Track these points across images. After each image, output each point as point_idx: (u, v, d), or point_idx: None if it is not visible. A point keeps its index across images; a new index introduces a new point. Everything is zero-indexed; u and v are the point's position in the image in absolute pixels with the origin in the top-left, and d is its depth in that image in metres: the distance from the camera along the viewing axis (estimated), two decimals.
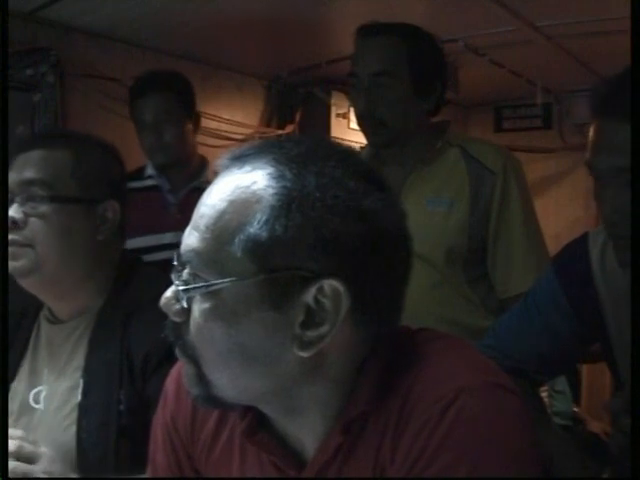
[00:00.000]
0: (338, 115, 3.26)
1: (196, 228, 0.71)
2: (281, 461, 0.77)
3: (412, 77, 1.58)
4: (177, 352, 0.75)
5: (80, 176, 1.18)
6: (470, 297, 1.62)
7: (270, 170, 0.68)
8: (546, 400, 2.64)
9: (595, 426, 2.61)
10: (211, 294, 0.68)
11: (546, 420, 1.27)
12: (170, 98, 2.03)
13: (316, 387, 0.73)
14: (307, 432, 0.76)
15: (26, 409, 1.19)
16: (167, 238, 2.02)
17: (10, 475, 0.92)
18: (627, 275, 1.12)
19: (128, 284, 1.21)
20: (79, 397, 1.14)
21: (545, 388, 2.74)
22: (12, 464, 0.93)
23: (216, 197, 0.70)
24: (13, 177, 1.15)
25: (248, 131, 3.15)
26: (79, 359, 1.18)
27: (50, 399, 1.18)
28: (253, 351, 0.69)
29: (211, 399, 0.73)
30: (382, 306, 0.72)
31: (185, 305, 0.70)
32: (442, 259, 1.58)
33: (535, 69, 3.08)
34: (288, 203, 0.66)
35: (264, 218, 0.66)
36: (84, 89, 2.41)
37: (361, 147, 1.80)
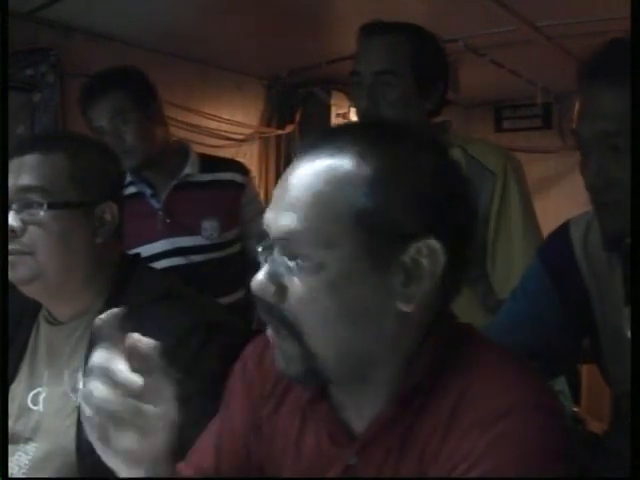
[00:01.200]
0: (338, 115, 3.26)
1: (292, 209, 0.74)
2: (336, 430, 0.81)
3: (415, 76, 1.58)
4: (273, 333, 0.77)
5: (77, 179, 1.16)
6: (469, 297, 1.61)
7: (358, 149, 0.74)
8: None
9: (595, 426, 2.60)
10: (320, 266, 0.72)
11: None
12: (122, 97, 1.85)
13: (391, 354, 0.77)
14: (364, 405, 0.80)
15: (25, 411, 1.18)
16: (160, 247, 1.90)
17: None
18: (610, 258, 1.12)
19: (128, 285, 1.21)
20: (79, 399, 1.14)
21: None
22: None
23: (308, 178, 0.74)
24: (9, 183, 1.13)
25: (248, 131, 3.16)
26: (79, 360, 1.17)
27: (49, 401, 1.18)
28: (359, 313, 0.74)
29: (312, 375, 0.76)
30: (456, 272, 0.78)
31: (289, 282, 0.73)
32: None
33: (535, 69, 3.08)
34: (383, 174, 0.73)
35: (364, 191, 0.72)
36: None
37: None
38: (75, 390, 1.15)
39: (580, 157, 1.07)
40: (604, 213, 1.06)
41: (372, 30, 1.60)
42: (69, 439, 1.12)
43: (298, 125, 3.27)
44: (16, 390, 1.20)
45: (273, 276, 0.75)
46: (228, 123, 3.04)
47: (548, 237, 1.30)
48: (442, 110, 1.70)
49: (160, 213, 1.93)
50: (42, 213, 1.12)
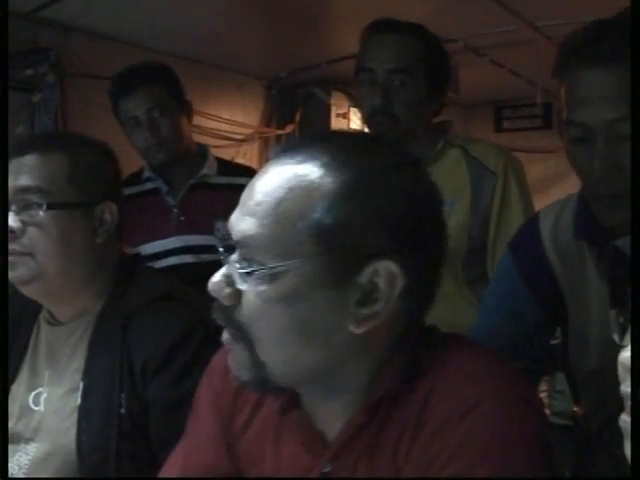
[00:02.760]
0: (338, 115, 3.26)
1: (252, 214, 0.72)
2: (310, 439, 0.81)
3: (426, 77, 1.58)
4: (227, 336, 0.76)
5: (76, 179, 1.16)
6: (469, 298, 1.61)
7: (325, 160, 0.72)
8: (546, 400, 2.64)
9: None
10: (273, 276, 0.71)
11: None
12: (160, 90, 1.88)
13: (357, 365, 0.76)
14: (335, 414, 0.79)
15: (26, 411, 1.18)
16: (171, 243, 1.92)
17: None
18: (580, 247, 1.11)
19: (127, 286, 1.21)
20: (79, 400, 1.14)
21: (545, 388, 2.74)
22: None
23: (272, 184, 0.73)
24: (8, 183, 1.13)
25: (248, 131, 3.15)
26: (79, 361, 1.17)
27: (50, 401, 1.18)
28: (311, 329, 0.72)
29: (262, 382, 0.75)
30: (424, 289, 0.77)
31: (242, 288, 0.72)
32: None
33: (535, 69, 3.08)
34: (347, 190, 0.71)
35: (326, 205, 0.70)
36: (84, 89, 2.41)
37: None
38: (75, 390, 1.15)
39: (572, 147, 1.01)
40: (612, 204, 1.00)
41: (384, 27, 1.60)
42: (69, 439, 1.12)
43: (298, 125, 3.27)
44: (17, 391, 1.20)
45: (229, 278, 0.74)
46: (228, 123, 3.03)
47: (518, 230, 1.28)
48: (442, 110, 1.70)
49: (175, 210, 1.94)
50: (41, 214, 1.12)
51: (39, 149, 1.16)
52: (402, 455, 0.74)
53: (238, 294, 0.73)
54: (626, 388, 0.61)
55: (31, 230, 1.12)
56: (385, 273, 0.71)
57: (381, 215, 0.71)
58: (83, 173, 1.17)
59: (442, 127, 1.70)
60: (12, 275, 1.14)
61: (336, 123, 3.24)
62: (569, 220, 1.13)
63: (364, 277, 0.71)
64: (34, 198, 1.12)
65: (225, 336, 0.77)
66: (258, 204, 0.72)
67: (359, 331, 0.72)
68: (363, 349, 0.75)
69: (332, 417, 0.80)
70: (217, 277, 0.75)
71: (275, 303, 0.71)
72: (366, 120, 1.66)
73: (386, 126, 1.61)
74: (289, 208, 0.71)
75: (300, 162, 0.73)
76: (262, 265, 0.71)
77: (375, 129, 1.65)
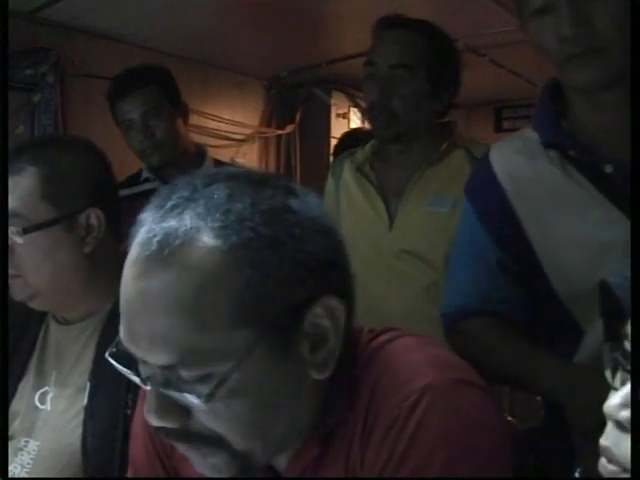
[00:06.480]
0: (338, 115, 3.26)
1: (162, 341, 0.64)
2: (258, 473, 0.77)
3: (428, 75, 1.59)
4: (191, 450, 0.70)
5: (51, 195, 1.12)
6: None
7: (214, 232, 0.64)
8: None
9: None
10: (216, 383, 0.64)
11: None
12: (155, 92, 1.89)
13: (311, 404, 0.73)
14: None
15: (32, 409, 1.18)
16: None
17: None
18: (534, 167, 1.09)
19: None
20: (85, 400, 1.13)
21: None
22: None
23: (167, 290, 0.63)
24: None
25: (248, 131, 3.16)
26: (87, 362, 1.16)
27: (56, 400, 1.17)
28: (278, 400, 0.69)
29: (246, 469, 0.71)
30: (351, 312, 0.73)
31: (192, 405, 0.66)
32: (442, 260, 1.57)
33: (535, 69, 3.08)
34: (253, 261, 0.64)
35: (240, 285, 0.64)
36: (84, 89, 2.41)
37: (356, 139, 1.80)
38: (82, 390, 1.15)
39: (533, 23, 1.01)
40: (584, 63, 0.99)
41: (392, 23, 1.61)
42: (74, 439, 1.12)
43: (298, 125, 3.27)
44: (24, 388, 1.20)
45: (168, 401, 0.66)
46: (228, 123, 3.03)
47: (471, 173, 1.28)
48: (448, 111, 1.70)
49: None
50: (20, 239, 1.10)
51: (11, 170, 1.12)
52: (355, 463, 0.72)
53: (185, 411, 0.67)
54: (604, 442, 0.57)
55: (17, 253, 1.11)
56: (325, 310, 0.68)
57: (297, 261, 0.65)
58: (58, 186, 1.13)
59: (446, 128, 1.70)
60: (12, 295, 1.14)
61: (336, 123, 3.24)
62: (520, 146, 1.12)
63: (307, 325, 0.67)
64: (11, 222, 1.10)
65: (186, 449, 0.70)
66: (162, 327, 0.63)
67: (323, 376, 0.69)
68: (316, 391, 0.72)
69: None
70: (153, 406, 0.66)
71: (230, 401, 0.65)
72: (366, 115, 1.67)
73: (383, 122, 1.61)
74: (203, 309, 0.63)
75: (184, 246, 0.63)
76: (200, 379, 0.64)
77: (373, 124, 1.65)
